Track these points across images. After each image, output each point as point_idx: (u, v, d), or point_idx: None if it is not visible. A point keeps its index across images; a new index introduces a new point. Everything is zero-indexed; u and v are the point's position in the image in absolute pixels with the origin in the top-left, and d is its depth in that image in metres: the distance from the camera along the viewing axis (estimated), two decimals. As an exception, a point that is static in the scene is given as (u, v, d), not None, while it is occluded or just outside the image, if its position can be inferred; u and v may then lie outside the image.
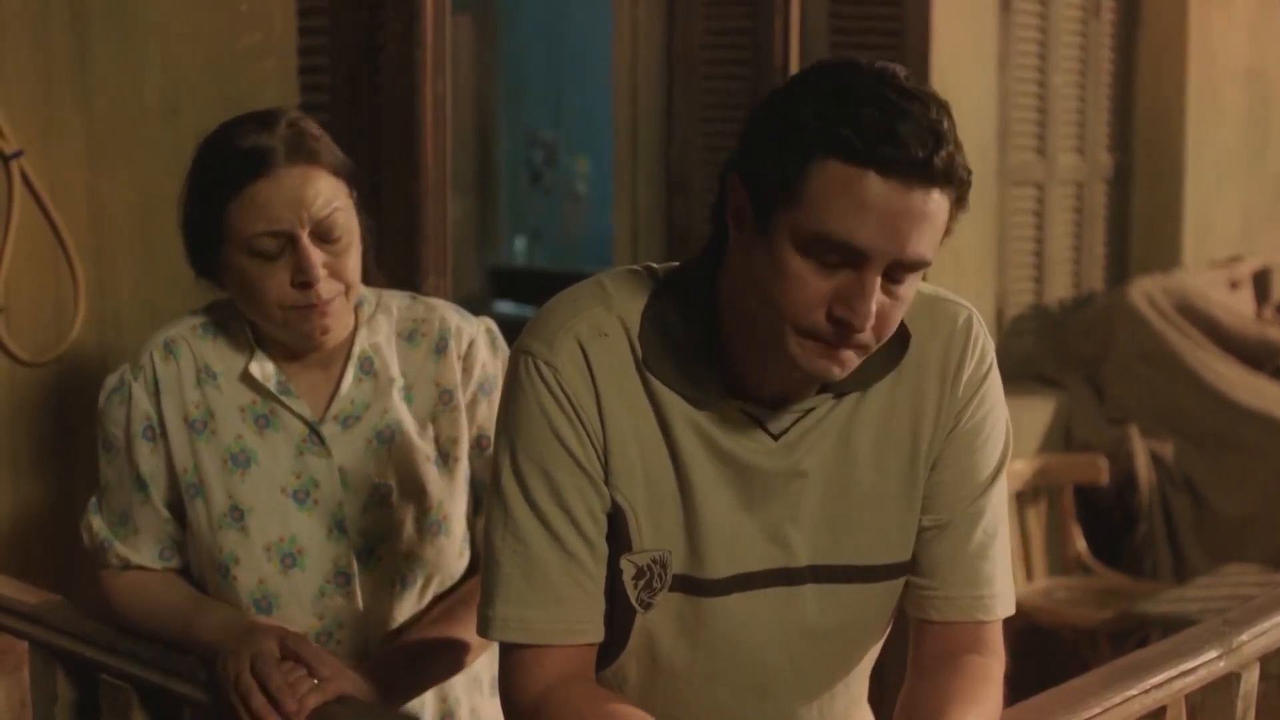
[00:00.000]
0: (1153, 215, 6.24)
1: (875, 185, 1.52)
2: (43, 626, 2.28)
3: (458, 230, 7.10)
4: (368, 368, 2.17)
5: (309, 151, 2.06)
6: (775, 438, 1.70)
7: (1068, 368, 5.74)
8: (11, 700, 2.43)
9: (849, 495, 1.73)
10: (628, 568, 1.71)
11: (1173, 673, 2.02)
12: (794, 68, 4.55)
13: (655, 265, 1.77)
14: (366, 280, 2.20)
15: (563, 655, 1.70)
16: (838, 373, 1.62)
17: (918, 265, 1.57)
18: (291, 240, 2.03)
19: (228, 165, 2.05)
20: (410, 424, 2.18)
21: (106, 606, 2.21)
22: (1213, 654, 2.08)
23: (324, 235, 2.05)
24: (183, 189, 2.12)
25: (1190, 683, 2.05)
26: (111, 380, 2.19)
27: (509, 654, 1.73)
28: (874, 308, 1.56)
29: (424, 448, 2.18)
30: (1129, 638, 4.68)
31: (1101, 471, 5.32)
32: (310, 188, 2.04)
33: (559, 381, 1.66)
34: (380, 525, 2.17)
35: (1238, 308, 6.11)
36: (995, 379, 1.78)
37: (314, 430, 2.15)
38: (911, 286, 1.60)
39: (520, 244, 9.98)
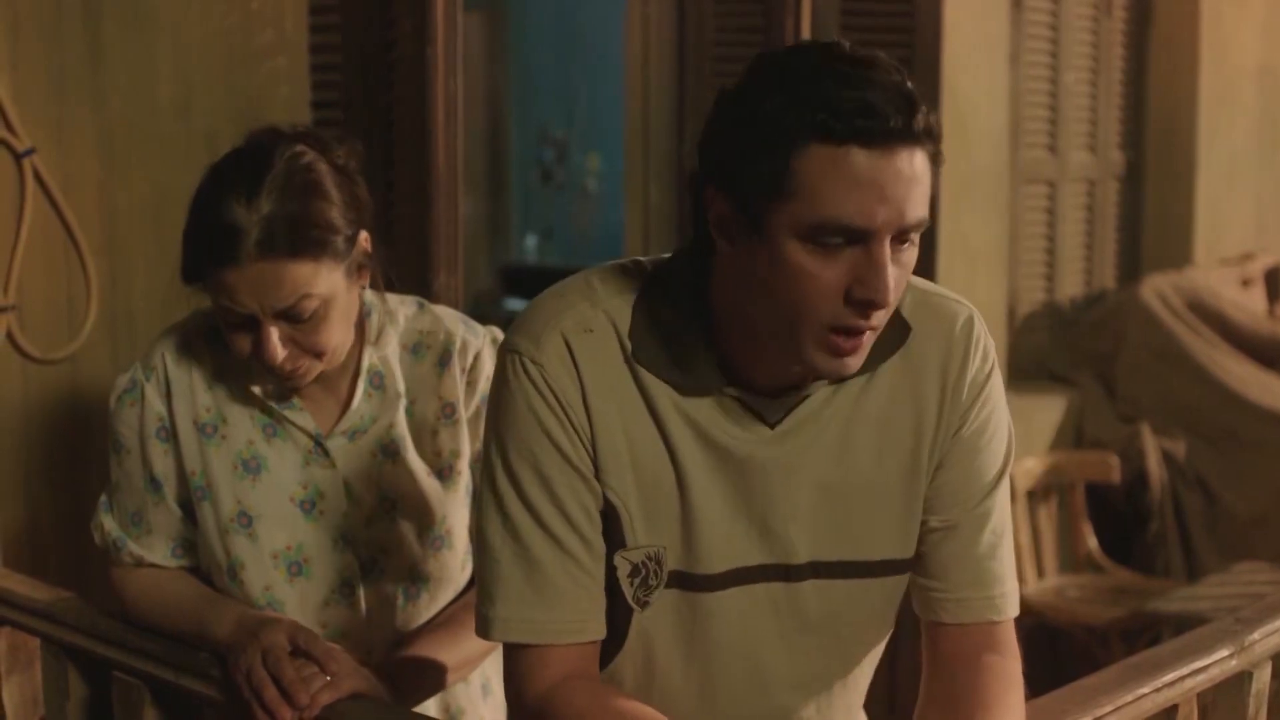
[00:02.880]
0: (1164, 213, 6.23)
1: (861, 159, 1.51)
2: (55, 623, 2.28)
3: (469, 228, 7.11)
4: (377, 382, 2.16)
5: (283, 240, 1.96)
6: (771, 427, 1.69)
7: (1079, 365, 5.73)
8: (24, 697, 2.43)
9: (848, 489, 1.72)
10: (622, 565, 1.70)
11: (1184, 671, 2.02)
12: (805, 65, 4.54)
13: (644, 259, 1.75)
14: (374, 289, 2.19)
15: (567, 653, 1.69)
16: (853, 366, 1.61)
17: (918, 228, 1.56)
18: (255, 320, 2.00)
19: (202, 238, 2.00)
20: (413, 437, 2.18)
21: (120, 604, 2.21)
22: (1224, 652, 2.08)
23: (291, 319, 2.00)
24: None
25: (1202, 681, 2.05)
26: (122, 381, 2.18)
27: (513, 654, 1.72)
28: (891, 279, 1.55)
29: (426, 461, 2.18)
30: (1140, 636, 4.68)
31: (1113, 469, 5.31)
32: (276, 281, 1.97)
33: (545, 379, 1.65)
34: (384, 537, 2.17)
35: (1249, 305, 6.10)
36: (997, 380, 1.78)
37: (319, 443, 2.15)
38: (913, 252, 1.59)
39: (531, 241, 9.98)
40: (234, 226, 1.95)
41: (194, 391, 2.15)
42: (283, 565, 2.14)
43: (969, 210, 5.11)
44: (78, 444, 2.93)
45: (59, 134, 2.88)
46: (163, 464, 2.15)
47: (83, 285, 2.92)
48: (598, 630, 1.71)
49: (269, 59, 3.16)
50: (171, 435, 2.15)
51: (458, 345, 2.18)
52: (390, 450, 2.16)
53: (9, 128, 2.81)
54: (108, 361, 2.95)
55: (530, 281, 9.31)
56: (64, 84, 2.88)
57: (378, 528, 2.16)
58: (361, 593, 2.16)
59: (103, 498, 2.22)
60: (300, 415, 2.14)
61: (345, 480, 2.15)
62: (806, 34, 4.43)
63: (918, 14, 4.61)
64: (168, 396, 2.14)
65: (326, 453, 2.15)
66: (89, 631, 2.23)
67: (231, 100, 3.09)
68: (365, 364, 2.15)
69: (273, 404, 2.13)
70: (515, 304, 8.99)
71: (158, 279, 3.00)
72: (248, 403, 2.15)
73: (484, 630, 1.72)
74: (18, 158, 2.83)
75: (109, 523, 2.20)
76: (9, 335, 2.84)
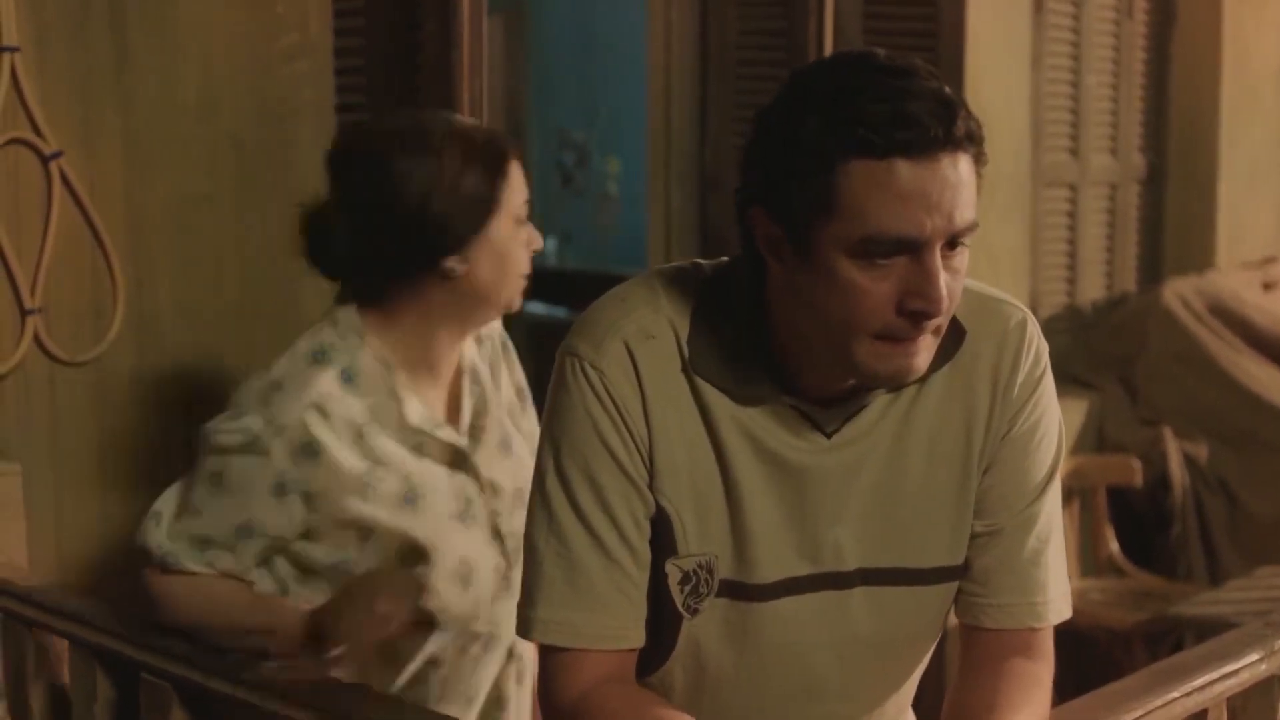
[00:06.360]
0: (1186, 216, 6.21)
1: (904, 170, 1.50)
2: (82, 625, 2.29)
3: (489, 230, 7.09)
4: (475, 378, 2.21)
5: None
6: (828, 436, 1.68)
7: (1100, 368, 5.72)
8: (52, 699, 2.44)
9: (900, 496, 1.71)
10: (673, 572, 1.70)
11: (1214, 676, 2.02)
12: (827, 68, 4.53)
13: (704, 262, 1.74)
14: None
15: (603, 658, 1.69)
16: (920, 366, 1.60)
17: (968, 232, 1.55)
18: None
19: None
20: (512, 426, 2.26)
21: (156, 606, 2.17)
22: (1254, 656, 2.08)
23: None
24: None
25: (1231, 685, 2.05)
26: (236, 431, 2.12)
27: (549, 656, 1.72)
28: (944, 289, 1.54)
29: (527, 445, 2.24)
30: (1163, 640, 4.65)
31: (1134, 473, 5.30)
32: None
33: (605, 385, 1.64)
34: (521, 527, 2.20)
35: (1271, 309, 6.07)
36: (1049, 383, 1.76)
37: (458, 451, 2.19)
38: (965, 255, 1.58)
39: (551, 244, 9.98)
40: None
41: (342, 448, 2.12)
42: (457, 580, 2.18)
43: (990, 213, 5.10)
44: (104, 446, 2.94)
45: (86, 137, 2.89)
46: (264, 518, 2.12)
47: (109, 288, 2.93)
48: (637, 638, 1.71)
49: (293, 62, 3.16)
50: (288, 492, 2.11)
51: (499, 333, 2.28)
52: (505, 444, 2.23)
53: (36, 131, 2.82)
54: (133, 364, 2.96)
55: (550, 284, 9.31)
56: (90, 88, 2.89)
57: (516, 519, 2.20)
58: (515, 581, 2.19)
59: (165, 510, 2.16)
60: (445, 430, 2.18)
61: (487, 481, 2.21)
62: (829, 38, 4.43)
63: (940, 17, 4.61)
64: (310, 458, 2.11)
65: (466, 458, 2.20)
66: (117, 633, 2.24)
67: (256, 103, 3.10)
68: (466, 361, 2.20)
69: (427, 427, 2.16)
70: (535, 307, 8.98)
71: (184, 281, 3.02)
72: (394, 437, 2.15)
73: (523, 630, 1.73)
74: (45, 161, 2.84)
75: (166, 541, 2.14)
76: (36, 338, 2.85)
